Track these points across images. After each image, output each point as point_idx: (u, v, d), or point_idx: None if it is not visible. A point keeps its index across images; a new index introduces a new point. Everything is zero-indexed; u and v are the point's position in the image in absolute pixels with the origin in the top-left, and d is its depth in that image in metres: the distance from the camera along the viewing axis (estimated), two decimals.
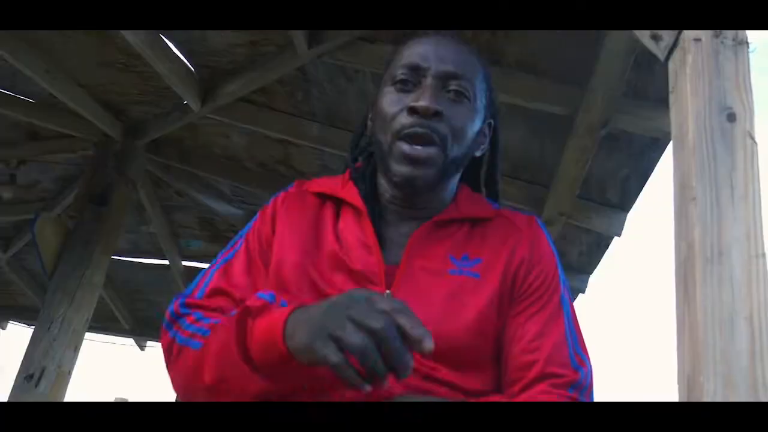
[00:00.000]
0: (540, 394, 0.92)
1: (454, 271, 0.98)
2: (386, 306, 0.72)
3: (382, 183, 1.07)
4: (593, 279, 3.66)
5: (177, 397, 0.98)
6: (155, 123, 3.53)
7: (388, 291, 0.95)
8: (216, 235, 4.69)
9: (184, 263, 5.03)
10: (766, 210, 0.99)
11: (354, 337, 0.70)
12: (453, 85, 1.00)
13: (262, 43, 2.82)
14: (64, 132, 3.66)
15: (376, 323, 0.70)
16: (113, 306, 5.60)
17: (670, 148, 1.23)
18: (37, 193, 4.39)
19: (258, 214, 1.09)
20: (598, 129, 2.43)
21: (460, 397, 0.92)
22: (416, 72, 1.01)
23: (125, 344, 6.31)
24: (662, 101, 1.61)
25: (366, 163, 1.11)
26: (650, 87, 2.37)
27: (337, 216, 1.06)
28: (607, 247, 3.37)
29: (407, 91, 1.01)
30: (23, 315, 6.05)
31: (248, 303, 0.86)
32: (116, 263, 3.79)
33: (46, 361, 3.00)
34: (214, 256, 1.07)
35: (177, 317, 0.96)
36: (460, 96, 1.01)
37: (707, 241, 0.98)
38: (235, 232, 1.10)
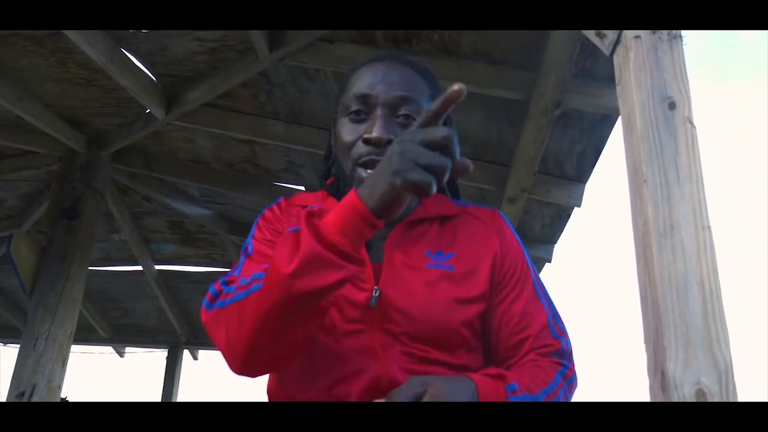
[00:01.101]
0: (528, 362, 1.06)
1: (431, 264, 1.10)
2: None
3: None
4: (558, 248, 3.84)
5: (238, 344, 0.94)
6: (119, 133, 3.56)
7: (376, 287, 1.05)
8: (187, 237, 4.73)
9: (158, 267, 5.08)
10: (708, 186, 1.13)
11: (433, 157, 0.81)
12: (402, 110, 1.10)
13: (222, 49, 2.87)
14: (27, 149, 3.67)
15: (440, 133, 0.82)
16: (89, 316, 5.59)
17: (619, 123, 1.35)
18: (3, 212, 4.37)
19: (258, 221, 1.17)
20: (552, 109, 2.57)
21: (454, 374, 1.03)
22: (366, 101, 1.10)
23: (104, 353, 6.33)
24: (609, 80, 1.72)
25: (337, 179, 1.20)
26: (597, 67, 2.52)
27: None
28: (568, 217, 3.55)
29: (361, 121, 1.10)
30: None
31: (308, 210, 0.91)
32: (89, 273, 3.81)
33: (35, 378, 3.05)
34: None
35: (219, 292, 0.99)
36: (410, 119, 1.10)
37: (660, 218, 1.11)
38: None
